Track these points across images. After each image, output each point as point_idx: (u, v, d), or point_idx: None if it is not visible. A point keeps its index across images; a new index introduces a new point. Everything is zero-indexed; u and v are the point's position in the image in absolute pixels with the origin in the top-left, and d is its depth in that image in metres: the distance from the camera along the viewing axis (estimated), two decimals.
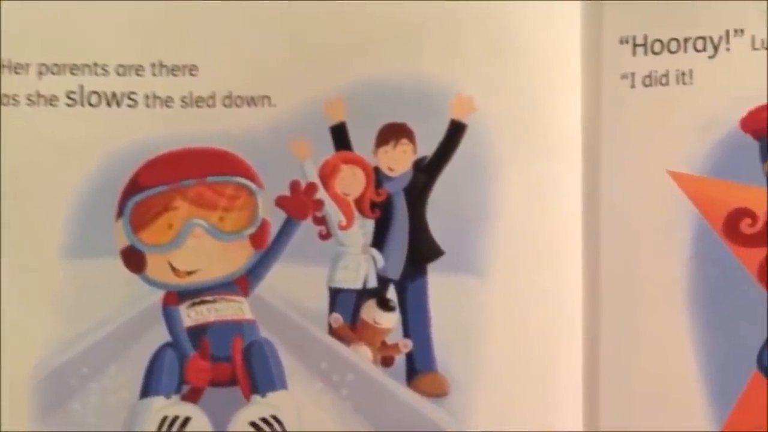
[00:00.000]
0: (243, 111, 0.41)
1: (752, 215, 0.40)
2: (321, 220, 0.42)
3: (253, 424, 0.40)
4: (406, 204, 0.42)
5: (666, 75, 0.41)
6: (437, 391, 0.41)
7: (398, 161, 0.42)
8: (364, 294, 0.43)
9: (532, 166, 0.41)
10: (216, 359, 0.41)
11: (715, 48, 0.41)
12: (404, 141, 0.42)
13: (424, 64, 0.41)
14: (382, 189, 0.42)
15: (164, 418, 0.40)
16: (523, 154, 0.41)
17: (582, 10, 0.41)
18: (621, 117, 0.41)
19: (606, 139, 0.41)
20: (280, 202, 0.41)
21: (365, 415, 0.41)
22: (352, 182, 0.42)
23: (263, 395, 0.41)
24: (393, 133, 0.42)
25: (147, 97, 0.41)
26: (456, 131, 0.41)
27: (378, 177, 0.42)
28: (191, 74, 0.41)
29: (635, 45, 0.41)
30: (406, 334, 0.42)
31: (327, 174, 0.42)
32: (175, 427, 0.40)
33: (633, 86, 0.41)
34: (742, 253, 0.40)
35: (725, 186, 0.40)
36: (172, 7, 0.41)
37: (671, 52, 0.41)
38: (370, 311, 0.43)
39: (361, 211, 0.43)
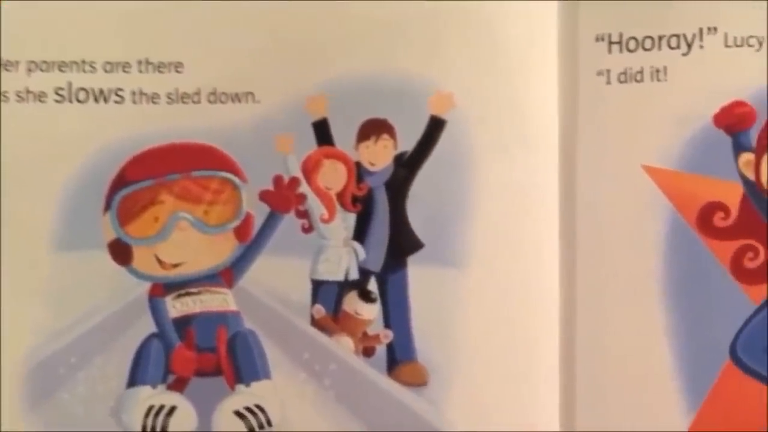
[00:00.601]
0: (227, 107, 0.41)
1: (725, 209, 0.41)
2: (303, 214, 0.42)
3: (237, 413, 0.40)
4: (386, 198, 0.42)
5: (641, 72, 0.41)
6: (417, 381, 0.41)
7: (379, 156, 0.42)
8: (345, 286, 0.43)
9: (509, 161, 0.41)
10: (201, 350, 0.41)
11: (689, 45, 0.41)
12: (385, 136, 0.42)
13: (404, 61, 0.41)
14: (363, 183, 0.43)
15: (150, 407, 0.40)
16: (501, 149, 0.41)
17: (558, 9, 0.41)
18: (597, 113, 0.41)
19: (582, 135, 0.41)
20: (264, 196, 0.41)
21: (347, 404, 0.41)
22: (334, 177, 0.42)
23: (247, 385, 0.41)
24: (374, 129, 0.42)
25: (134, 93, 0.41)
26: (435, 127, 0.41)
27: (359, 171, 0.42)
28: (177, 71, 0.41)
29: (611, 43, 0.41)
30: (387, 324, 0.42)
31: (309, 168, 0.42)
32: (161, 416, 0.40)
33: (609, 83, 0.41)
34: (715, 245, 0.41)
35: (698, 180, 0.41)
36: (158, 6, 0.41)
37: (646, 50, 0.41)
38: (352, 303, 0.43)
39: (342, 204, 0.43)
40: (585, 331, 0.41)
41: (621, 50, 0.41)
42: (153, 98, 0.41)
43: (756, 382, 0.40)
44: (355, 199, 0.43)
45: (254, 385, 0.41)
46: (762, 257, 0.40)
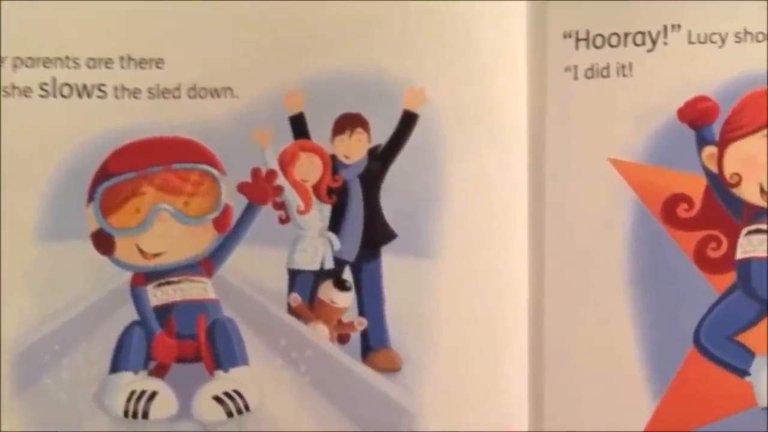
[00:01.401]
0: (207, 102, 0.41)
1: (689, 200, 0.41)
2: (280, 205, 0.42)
3: (216, 398, 0.41)
4: (361, 190, 0.43)
5: (607, 68, 0.41)
6: (390, 367, 0.42)
7: (354, 149, 0.42)
8: (321, 275, 0.43)
9: (480, 153, 0.41)
10: (181, 337, 0.42)
11: (654, 42, 0.41)
12: (359, 130, 0.42)
13: (378, 58, 0.41)
14: (338, 176, 0.43)
15: (132, 393, 0.41)
16: (472, 142, 0.41)
17: (527, 7, 0.41)
18: (565, 107, 0.41)
19: (550, 129, 0.42)
20: (242, 188, 0.42)
21: (322, 390, 0.41)
22: (310, 169, 0.42)
23: (226, 371, 0.41)
24: (349, 123, 0.42)
25: (116, 88, 0.41)
26: (408, 121, 0.42)
27: (334, 164, 0.43)
28: (158, 67, 0.41)
29: (578, 39, 0.41)
30: (361, 312, 0.43)
31: (286, 161, 0.42)
32: (143, 401, 0.41)
33: (576, 78, 0.41)
34: (679, 236, 0.41)
35: (663, 173, 0.41)
36: (140, 4, 0.41)
37: (612, 46, 0.41)
38: (327, 291, 0.43)
39: (318, 196, 0.43)
40: (553, 319, 0.41)
41: (588, 47, 0.42)
42: (135, 93, 0.41)
43: (718, 368, 0.41)
44: (330, 191, 0.43)
45: (233, 371, 0.41)
46: (724, 247, 0.41)
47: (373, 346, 0.42)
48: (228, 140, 0.42)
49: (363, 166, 0.43)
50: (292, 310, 0.42)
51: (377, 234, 0.42)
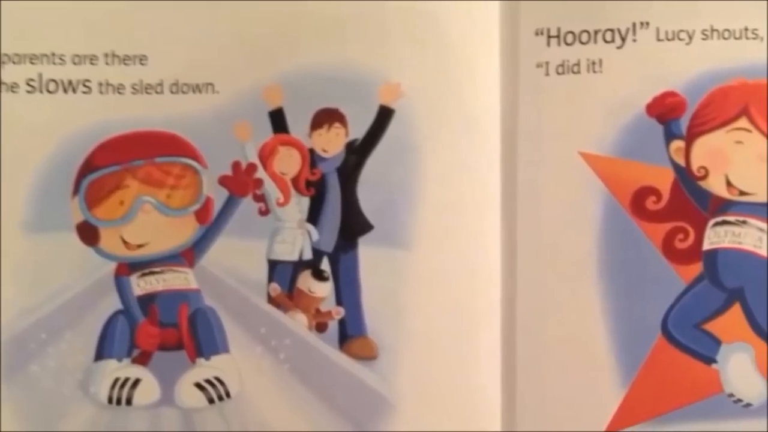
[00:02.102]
0: (189, 97, 0.42)
1: (657, 193, 0.42)
2: (260, 198, 0.43)
3: (198, 385, 0.41)
4: (338, 183, 0.43)
5: (578, 64, 0.42)
6: (367, 354, 0.42)
7: (331, 143, 0.43)
8: (300, 265, 0.43)
9: (454, 147, 0.42)
10: (164, 325, 0.42)
11: (623, 39, 0.42)
12: (337, 125, 0.42)
13: (355, 54, 0.42)
14: (316, 169, 0.43)
15: (116, 380, 0.41)
16: (447, 136, 0.42)
17: (500, 5, 0.42)
18: (536, 103, 0.42)
19: (522, 123, 0.42)
20: (223, 180, 0.42)
21: (301, 376, 0.42)
22: (289, 162, 0.43)
23: (207, 358, 0.42)
24: (327, 118, 0.42)
25: (100, 84, 0.42)
26: (384, 115, 0.42)
27: (313, 158, 0.43)
28: (141, 63, 0.42)
29: (549, 36, 0.42)
30: (339, 302, 0.43)
31: (266, 155, 0.42)
32: (126, 388, 0.41)
33: (547, 74, 0.42)
34: (648, 227, 0.42)
35: (632, 166, 0.42)
36: (124, 3, 0.42)
37: (582, 43, 0.42)
38: (306, 281, 0.43)
39: (297, 189, 0.43)
40: (525, 308, 0.42)
41: (559, 44, 0.42)
42: (118, 89, 0.42)
43: (686, 355, 0.41)
44: (308, 184, 0.43)
45: (214, 358, 0.42)
46: (692, 239, 0.42)
47: (350, 334, 0.43)
48: (209, 134, 0.42)
49: (340, 160, 0.43)
50: (271, 300, 0.43)
51: (354, 225, 0.43)
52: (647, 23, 0.42)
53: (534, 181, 0.42)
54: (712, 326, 0.41)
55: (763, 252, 0.41)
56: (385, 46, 0.42)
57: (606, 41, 0.42)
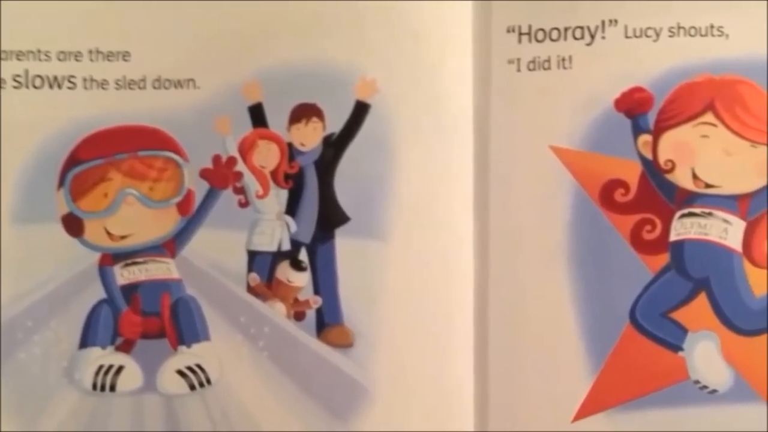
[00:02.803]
0: (170, 93, 0.42)
1: (625, 185, 0.42)
2: (240, 190, 0.43)
3: (180, 372, 0.42)
4: (316, 176, 0.43)
5: (548, 60, 0.42)
6: (344, 342, 0.42)
7: (309, 137, 0.43)
8: (278, 256, 0.43)
9: (428, 141, 0.42)
10: (146, 314, 0.43)
11: (592, 36, 0.42)
12: (315, 119, 0.43)
13: (332, 51, 0.42)
14: (294, 162, 0.43)
15: (100, 367, 0.42)
16: (421, 131, 0.42)
17: (473, 4, 0.43)
18: (508, 98, 0.42)
19: (494, 118, 0.43)
20: (204, 173, 0.43)
21: (280, 364, 0.42)
22: (267, 156, 0.43)
23: (189, 346, 0.42)
24: (304, 112, 0.43)
25: (85, 80, 0.42)
26: (361, 110, 0.43)
27: (291, 151, 0.43)
28: (124, 60, 0.42)
29: (521, 34, 0.43)
30: (316, 291, 0.43)
31: (245, 149, 0.43)
32: (110, 375, 0.42)
33: (519, 70, 0.42)
34: (616, 219, 0.42)
35: (601, 159, 0.42)
36: (108, 2, 0.42)
37: (553, 40, 0.42)
38: (284, 271, 0.44)
39: (276, 181, 0.44)
40: (497, 298, 0.43)
41: (530, 41, 0.43)
42: (102, 84, 0.42)
43: (653, 343, 0.42)
44: (287, 177, 0.44)
45: (195, 346, 0.43)
46: (659, 230, 0.42)
47: (328, 322, 0.43)
48: (190, 129, 0.43)
49: (318, 153, 0.44)
50: (251, 289, 0.43)
51: (331, 217, 0.43)
52: (616, 21, 0.42)
53: (506, 174, 0.43)
54: (678, 315, 0.42)
55: (727, 243, 0.42)
56: (361, 44, 0.43)
57: (576, 38, 0.43)
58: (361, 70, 0.43)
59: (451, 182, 0.43)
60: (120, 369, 0.42)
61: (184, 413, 0.42)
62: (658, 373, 0.42)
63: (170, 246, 0.43)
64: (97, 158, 0.42)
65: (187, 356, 0.42)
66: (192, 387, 0.42)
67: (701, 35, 0.42)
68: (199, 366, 0.42)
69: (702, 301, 0.42)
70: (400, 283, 0.42)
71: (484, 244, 0.43)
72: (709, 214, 0.42)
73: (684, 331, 0.42)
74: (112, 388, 0.42)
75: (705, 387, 0.42)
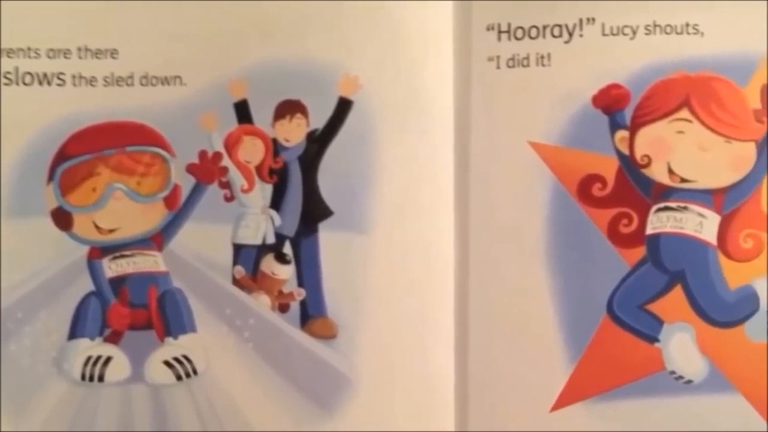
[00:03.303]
0: (158, 89, 0.43)
1: (602, 180, 0.43)
2: (226, 185, 0.44)
3: (166, 363, 0.43)
4: (300, 170, 0.44)
5: (527, 58, 0.43)
6: (327, 334, 0.43)
7: (293, 133, 0.44)
8: (263, 249, 0.44)
9: (410, 137, 0.43)
10: (134, 306, 0.43)
11: (570, 34, 0.43)
12: (299, 115, 0.43)
13: (316, 49, 0.43)
14: (279, 157, 0.44)
15: (89, 357, 0.42)
16: (403, 127, 0.43)
17: (453, 4, 0.43)
18: (488, 95, 0.43)
19: (475, 114, 0.43)
20: (190, 168, 0.43)
21: (264, 355, 0.43)
22: (252, 151, 0.44)
23: (175, 337, 0.43)
24: (289, 109, 0.43)
25: (74, 77, 0.43)
26: (343, 107, 0.43)
27: (275, 147, 0.44)
28: (112, 57, 0.43)
29: (500, 32, 0.43)
30: (300, 283, 0.44)
31: (231, 144, 0.43)
32: (99, 365, 0.42)
33: (498, 68, 0.43)
34: (594, 213, 0.43)
35: (579, 155, 0.43)
36: (96, 2, 0.43)
37: (531, 38, 0.43)
38: (269, 264, 0.44)
39: (260, 176, 0.44)
40: (477, 290, 0.43)
41: (509, 38, 0.43)
42: (91, 81, 0.43)
43: (630, 335, 0.43)
44: (271, 172, 0.44)
45: (181, 337, 0.43)
46: (635, 224, 0.43)
47: (312, 314, 0.44)
48: (177, 125, 0.43)
49: (302, 149, 0.44)
50: (236, 282, 0.44)
51: (315, 211, 0.44)
52: (593, 19, 0.43)
53: (485, 169, 0.43)
54: (654, 307, 0.43)
55: (702, 236, 0.42)
56: (344, 41, 0.43)
57: (554, 36, 0.43)
58: (344, 67, 0.43)
59: (432, 177, 0.43)
60: (108, 360, 0.43)
61: (171, 403, 0.43)
62: (635, 364, 0.42)
63: (157, 239, 0.44)
64: (85, 153, 0.43)
65: (173, 347, 0.43)
66: (179, 377, 0.43)
67: (677, 33, 0.43)
68: (185, 357, 0.43)
69: (678, 293, 0.43)
70: (382, 276, 0.43)
71: (464, 237, 0.43)
72: (685, 208, 0.42)
73: (660, 322, 0.43)
74: (101, 379, 0.43)
75: (681, 377, 0.42)
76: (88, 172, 0.43)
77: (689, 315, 0.42)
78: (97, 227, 0.43)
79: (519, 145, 0.43)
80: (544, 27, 0.43)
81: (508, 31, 0.43)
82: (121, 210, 0.43)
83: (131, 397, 0.43)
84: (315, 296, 0.44)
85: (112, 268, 0.43)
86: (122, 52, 0.43)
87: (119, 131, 0.43)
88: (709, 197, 0.42)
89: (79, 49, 0.43)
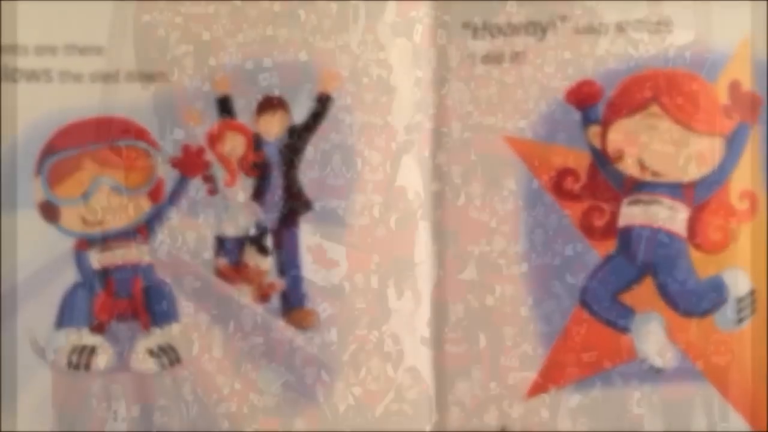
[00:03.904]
0: (142, 85, 0.43)
1: (575, 174, 0.43)
2: (209, 178, 0.44)
3: (150, 351, 0.43)
4: (281, 164, 0.44)
5: (502, 55, 0.44)
6: (308, 324, 0.44)
7: (275, 128, 0.44)
8: (245, 241, 0.44)
9: (388, 132, 0.43)
10: (119, 297, 0.44)
11: (544, 32, 0.44)
12: (280, 111, 0.44)
13: (297, 45, 0.44)
14: (260, 152, 0.44)
15: (75, 347, 0.43)
16: (381, 122, 0.43)
17: (431, 3, 0.44)
18: (464, 91, 0.44)
19: (451, 110, 0.44)
20: (175, 162, 0.44)
21: (247, 344, 0.43)
22: (235, 146, 0.44)
23: (160, 327, 0.43)
24: (270, 105, 0.44)
25: (61, 74, 0.43)
26: (324, 102, 0.44)
27: (257, 141, 0.44)
28: (98, 54, 0.43)
29: (476, 29, 0.44)
30: (281, 275, 0.44)
31: (214, 139, 0.44)
32: (85, 355, 0.43)
33: (474, 65, 0.44)
34: (567, 206, 0.44)
35: (552, 149, 0.43)
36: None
37: (506, 36, 0.44)
38: (251, 255, 0.44)
39: (242, 170, 0.44)
40: (454, 280, 0.44)
41: (485, 36, 0.44)
42: (78, 78, 0.43)
43: (600, 324, 0.44)
44: (253, 166, 0.44)
45: (166, 327, 0.44)
46: (607, 216, 0.44)
47: (292, 305, 0.44)
48: (162, 120, 0.44)
49: (283, 143, 0.44)
50: (219, 273, 0.44)
51: (295, 204, 0.44)
52: (566, 17, 0.44)
53: (462, 164, 0.44)
54: (626, 297, 0.43)
55: (673, 228, 0.43)
56: (324, 39, 0.44)
57: (528, 34, 0.44)
58: (325, 63, 0.44)
59: (410, 171, 0.44)
60: (94, 349, 0.43)
61: (156, 391, 0.44)
62: (607, 353, 0.43)
63: (143, 231, 0.44)
64: (72, 148, 0.43)
65: (158, 337, 0.43)
66: (163, 366, 0.43)
67: (648, 31, 0.43)
68: (169, 346, 0.43)
69: (648, 284, 0.43)
70: (361, 267, 0.44)
71: (441, 230, 0.44)
72: (656, 201, 0.43)
73: (632, 312, 0.43)
74: (87, 367, 0.43)
75: (651, 366, 0.43)
76: (75, 166, 0.43)
77: (659, 305, 0.43)
78: (83, 220, 0.44)
79: (495, 141, 0.44)
80: (519, 25, 0.44)
81: (483, 29, 0.44)
82: (107, 203, 0.43)
83: (116, 385, 0.43)
84: (295, 287, 0.44)
85: (98, 259, 0.44)
86: (108, 49, 0.44)
87: (105, 126, 0.43)
88: (679, 190, 0.43)
89: (66, 47, 0.43)
